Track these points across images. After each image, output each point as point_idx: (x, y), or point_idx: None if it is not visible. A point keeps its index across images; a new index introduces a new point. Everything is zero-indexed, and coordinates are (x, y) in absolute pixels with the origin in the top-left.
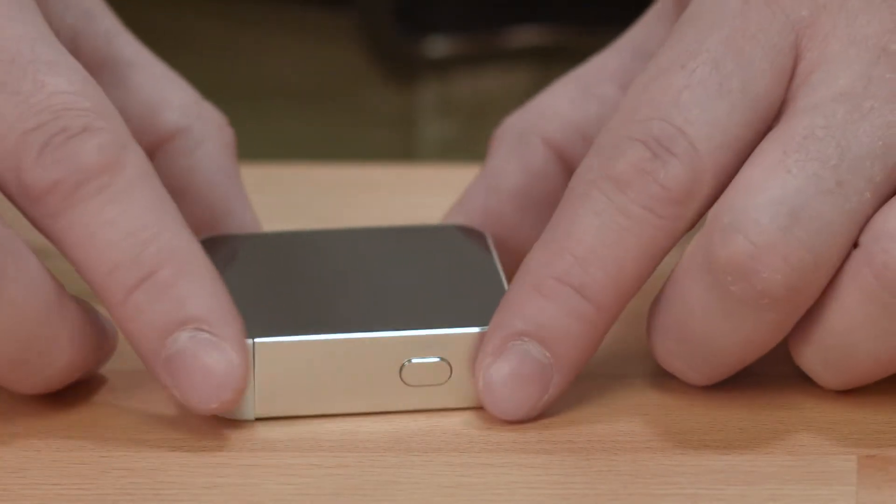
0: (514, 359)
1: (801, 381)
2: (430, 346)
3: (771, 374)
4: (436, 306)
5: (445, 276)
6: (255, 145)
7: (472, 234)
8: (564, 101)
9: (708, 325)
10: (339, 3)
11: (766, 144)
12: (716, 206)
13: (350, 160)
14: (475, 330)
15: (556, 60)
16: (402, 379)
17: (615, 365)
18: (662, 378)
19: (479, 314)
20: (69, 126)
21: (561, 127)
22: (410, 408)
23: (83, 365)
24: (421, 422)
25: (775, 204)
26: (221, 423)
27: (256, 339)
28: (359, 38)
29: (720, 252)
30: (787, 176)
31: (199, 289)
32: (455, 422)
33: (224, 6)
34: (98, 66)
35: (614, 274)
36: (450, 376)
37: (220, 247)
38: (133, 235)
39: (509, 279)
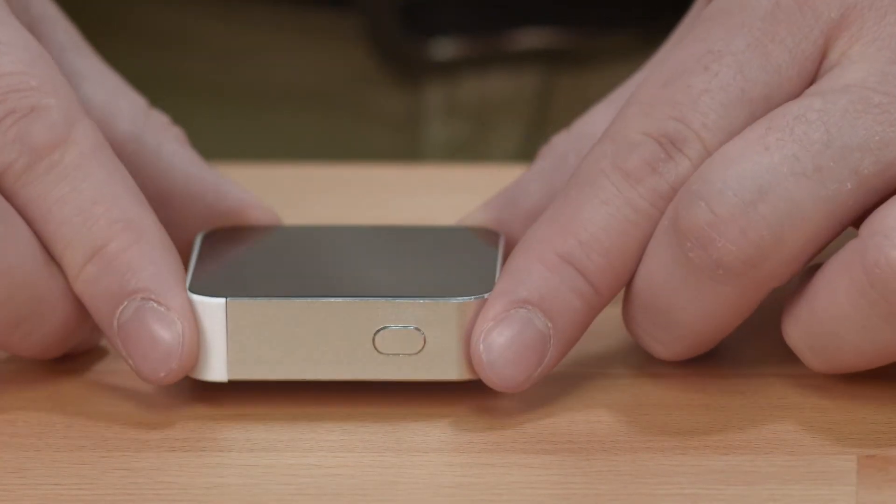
0: (517, 325)
1: (802, 381)
2: (405, 313)
3: (771, 374)
4: (417, 278)
5: (441, 261)
6: (261, 147)
7: (485, 234)
8: (602, 124)
9: (668, 291)
10: (345, 5)
11: (758, 121)
12: (694, 174)
13: (356, 162)
14: (451, 300)
15: (561, 63)
16: (375, 346)
17: (615, 365)
18: (663, 378)
19: (459, 288)
20: (17, 108)
21: None
22: (383, 378)
23: (77, 324)
24: (421, 422)
25: (744, 178)
26: (222, 424)
27: (229, 299)
28: (364, 40)
29: (682, 217)
30: (763, 152)
31: (147, 259)
32: (455, 422)
33: (230, 8)
34: None
35: (615, 262)
36: (423, 346)
37: (238, 233)
38: (84, 211)
39: None
